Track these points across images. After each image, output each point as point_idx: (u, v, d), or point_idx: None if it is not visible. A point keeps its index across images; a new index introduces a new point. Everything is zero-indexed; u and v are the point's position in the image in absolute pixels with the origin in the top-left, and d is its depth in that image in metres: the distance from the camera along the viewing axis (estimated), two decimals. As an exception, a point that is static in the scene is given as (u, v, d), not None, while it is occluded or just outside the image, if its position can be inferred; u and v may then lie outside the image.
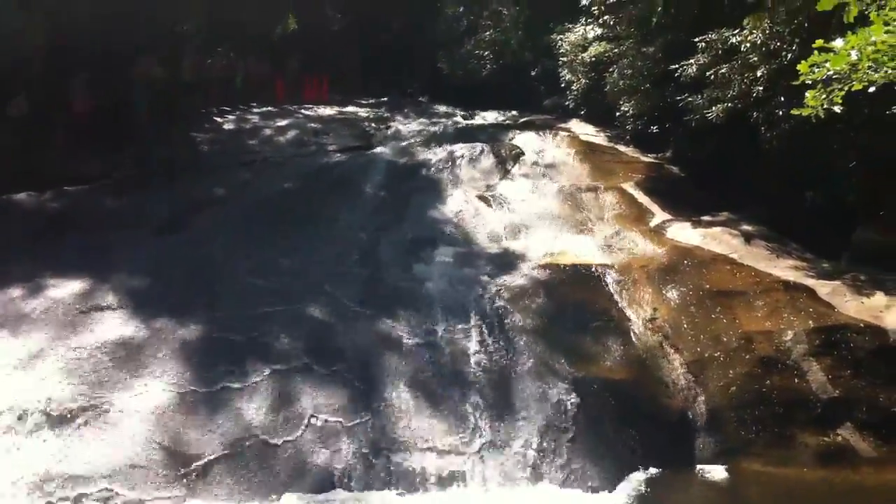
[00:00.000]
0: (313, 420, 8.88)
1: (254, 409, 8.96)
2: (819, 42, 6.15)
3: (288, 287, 11.34)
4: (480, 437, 8.87)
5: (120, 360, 9.57)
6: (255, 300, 10.93)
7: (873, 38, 5.93)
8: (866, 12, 5.95)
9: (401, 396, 9.31)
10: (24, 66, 16.23)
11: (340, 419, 8.93)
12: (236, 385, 9.29)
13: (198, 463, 8.34)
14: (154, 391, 9.10)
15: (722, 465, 8.87)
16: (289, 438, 8.67)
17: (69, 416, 8.69)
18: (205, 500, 8.07)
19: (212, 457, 8.41)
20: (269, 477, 8.29)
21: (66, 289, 11.13)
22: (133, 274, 11.65)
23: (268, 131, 20.12)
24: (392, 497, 8.24)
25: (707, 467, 8.87)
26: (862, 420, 9.00)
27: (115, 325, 10.30)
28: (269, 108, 23.71)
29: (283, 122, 21.00)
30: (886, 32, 5.87)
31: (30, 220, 13.85)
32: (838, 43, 6.09)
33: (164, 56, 20.37)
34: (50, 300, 10.85)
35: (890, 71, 6.16)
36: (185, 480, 8.19)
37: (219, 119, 21.65)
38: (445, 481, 8.43)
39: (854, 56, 6.03)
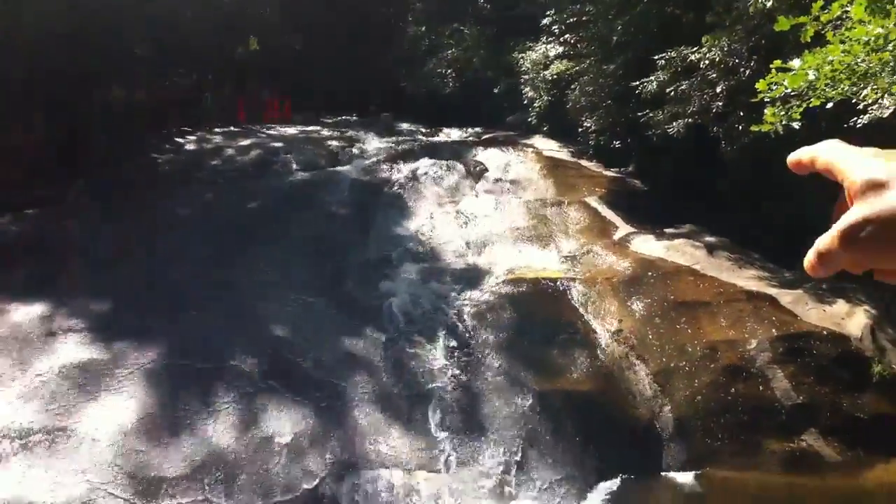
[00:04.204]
0: (278, 440, 8.85)
1: (218, 431, 8.92)
2: (777, 62, 6.32)
3: (252, 306, 11.34)
4: (448, 453, 8.93)
5: (81, 384, 9.49)
6: (218, 320, 10.91)
7: (830, 58, 6.12)
8: (822, 31, 6.13)
9: (366, 414, 9.34)
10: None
11: (305, 438, 8.91)
12: (199, 406, 9.26)
13: (160, 486, 8.28)
14: (116, 414, 9.03)
15: (689, 472, 9.01)
16: (253, 459, 8.62)
17: (31, 440, 8.61)
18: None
19: (174, 479, 8.35)
20: (232, 498, 8.26)
21: (25, 313, 11.01)
22: (93, 297, 11.56)
23: (230, 151, 19.99)
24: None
25: (675, 475, 9.01)
26: (826, 425, 9.20)
27: (75, 348, 10.21)
28: (231, 129, 23.61)
29: (245, 142, 20.89)
30: (843, 52, 6.06)
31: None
32: (796, 63, 6.26)
33: (122, 79, 20.31)
34: (9, 324, 10.74)
35: (846, 88, 6.35)
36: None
37: (180, 140, 21.49)
38: (412, 499, 8.45)
39: (812, 76, 6.21)
